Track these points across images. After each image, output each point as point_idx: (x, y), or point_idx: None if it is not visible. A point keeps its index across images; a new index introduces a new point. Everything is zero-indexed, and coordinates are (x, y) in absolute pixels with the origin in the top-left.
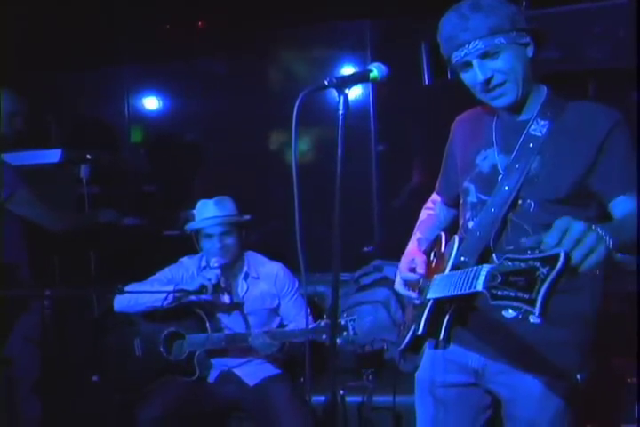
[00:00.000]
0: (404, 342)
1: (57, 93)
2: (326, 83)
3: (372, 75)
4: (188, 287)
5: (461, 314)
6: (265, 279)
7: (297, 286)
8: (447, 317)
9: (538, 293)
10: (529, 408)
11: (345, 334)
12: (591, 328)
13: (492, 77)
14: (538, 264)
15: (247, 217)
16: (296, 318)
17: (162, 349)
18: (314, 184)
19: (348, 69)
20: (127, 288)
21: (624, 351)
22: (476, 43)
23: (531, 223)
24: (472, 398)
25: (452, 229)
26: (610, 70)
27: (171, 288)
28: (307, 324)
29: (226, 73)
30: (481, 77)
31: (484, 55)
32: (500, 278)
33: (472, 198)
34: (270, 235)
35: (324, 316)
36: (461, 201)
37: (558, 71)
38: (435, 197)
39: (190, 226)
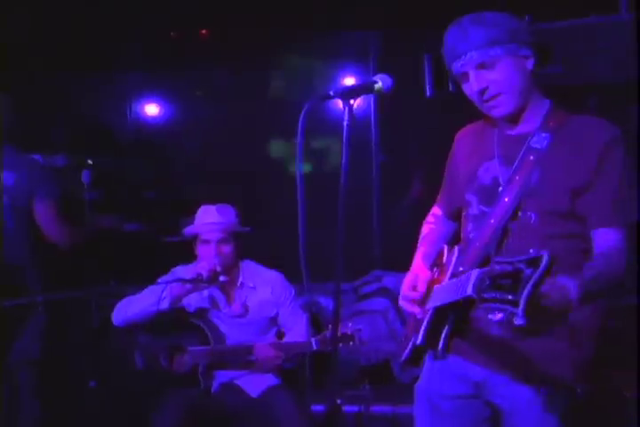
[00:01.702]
0: (405, 354)
1: (60, 99)
2: (331, 93)
3: (376, 86)
4: (184, 277)
5: (461, 325)
6: (262, 288)
7: (294, 294)
8: (446, 327)
9: (521, 294)
10: (529, 421)
11: (351, 344)
12: (592, 341)
13: (487, 88)
14: (523, 266)
15: (247, 229)
16: (294, 327)
17: (163, 362)
18: (313, 193)
19: (350, 79)
20: (120, 302)
21: (622, 365)
22: (473, 53)
23: (531, 235)
24: (471, 410)
25: (454, 242)
26: (612, 85)
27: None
28: (307, 334)
29: (228, 81)
30: (476, 87)
31: (481, 66)
32: (487, 282)
33: (474, 210)
34: (270, 243)
35: (329, 326)
36: (463, 213)
37: (560, 85)
38: (435, 210)
39: (189, 230)
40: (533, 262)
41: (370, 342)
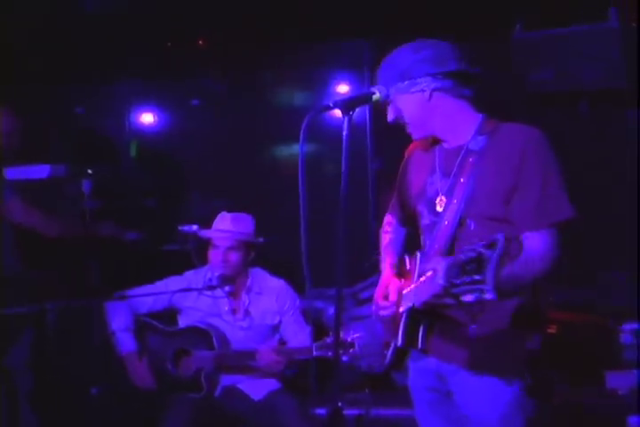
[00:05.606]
0: (387, 358)
1: (58, 108)
2: (331, 104)
3: (374, 97)
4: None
5: (435, 322)
6: (267, 295)
7: (298, 303)
8: (422, 326)
9: (486, 272)
10: (478, 408)
11: (351, 351)
12: (538, 334)
13: (396, 119)
14: (482, 250)
15: (259, 240)
16: (296, 336)
17: (169, 365)
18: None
19: (344, 87)
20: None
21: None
22: (377, 93)
23: (471, 240)
24: (448, 401)
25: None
26: (603, 91)
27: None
28: (311, 340)
29: (224, 90)
30: (389, 119)
31: (387, 101)
32: (456, 270)
33: (425, 221)
34: (270, 250)
35: (330, 332)
36: (419, 223)
37: (552, 91)
38: (389, 218)
39: (203, 233)
40: (491, 246)
41: (368, 346)
